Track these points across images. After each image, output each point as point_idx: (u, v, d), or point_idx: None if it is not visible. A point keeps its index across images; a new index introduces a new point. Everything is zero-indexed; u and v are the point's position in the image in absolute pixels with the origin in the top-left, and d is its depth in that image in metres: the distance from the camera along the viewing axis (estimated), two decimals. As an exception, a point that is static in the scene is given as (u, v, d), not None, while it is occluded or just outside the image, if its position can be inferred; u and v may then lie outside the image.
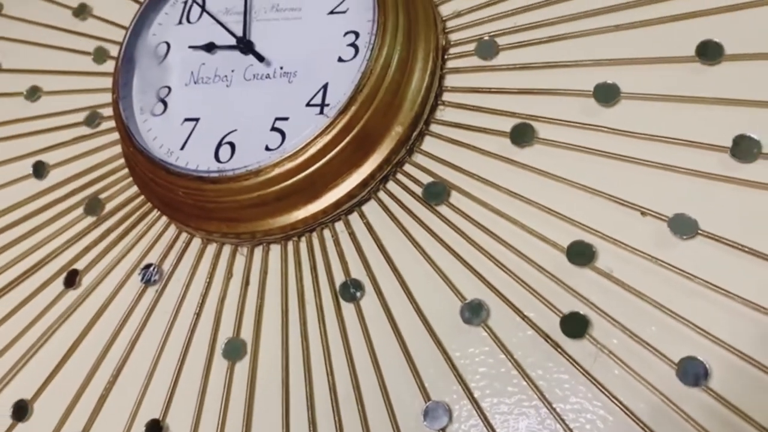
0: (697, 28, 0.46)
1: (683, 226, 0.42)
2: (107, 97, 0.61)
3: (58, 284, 0.57)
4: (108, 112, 0.62)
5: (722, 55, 0.45)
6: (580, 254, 0.43)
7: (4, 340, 0.57)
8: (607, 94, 0.46)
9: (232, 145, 0.50)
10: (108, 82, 0.61)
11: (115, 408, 0.51)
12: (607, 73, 0.47)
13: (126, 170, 0.58)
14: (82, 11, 0.68)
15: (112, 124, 0.60)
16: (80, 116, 0.63)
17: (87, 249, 0.57)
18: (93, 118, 0.62)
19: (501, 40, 0.51)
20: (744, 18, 0.45)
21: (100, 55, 0.65)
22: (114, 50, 0.64)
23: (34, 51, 0.69)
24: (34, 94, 0.67)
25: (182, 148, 0.52)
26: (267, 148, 0.49)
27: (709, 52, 0.45)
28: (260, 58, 0.52)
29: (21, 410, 0.54)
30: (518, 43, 0.51)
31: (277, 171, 0.47)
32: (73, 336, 0.55)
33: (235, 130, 0.51)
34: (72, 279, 0.56)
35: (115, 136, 0.60)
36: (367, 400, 0.45)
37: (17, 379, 0.56)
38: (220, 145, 0.51)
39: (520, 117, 0.48)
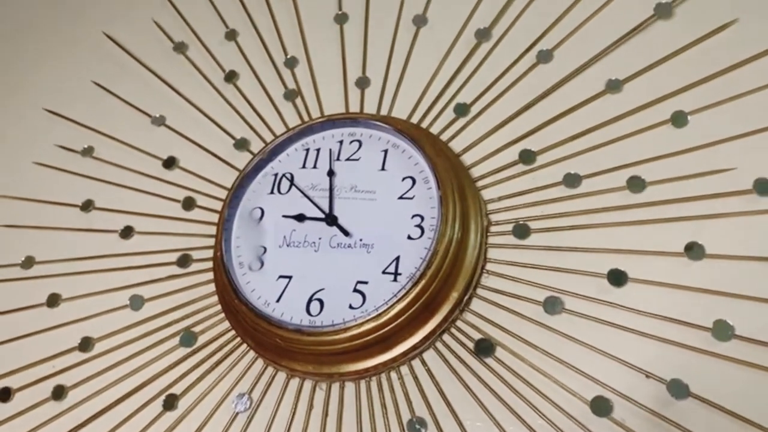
0: (686, 230, 0.61)
1: (677, 390, 0.55)
2: (196, 241, 0.74)
3: (157, 406, 0.68)
4: (197, 255, 0.74)
5: (704, 254, 0.60)
6: (600, 408, 0.56)
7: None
8: (618, 278, 0.60)
9: (321, 301, 0.63)
10: (195, 228, 0.74)
11: None
12: (617, 260, 0.61)
13: (218, 307, 0.70)
14: (171, 163, 0.81)
15: (202, 265, 0.73)
16: (172, 256, 0.75)
17: (182, 376, 0.68)
18: (185, 260, 0.74)
19: (533, 224, 0.65)
20: (722, 224, 0.61)
21: (188, 204, 0.78)
22: (199, 199, 0.77)
23: (125, 193, 0.81)
24: (128, 233, 0.78)
25: (278, 301, 0.64)
26: (351, 307, 0.62)
27: (694, 251, 0.60)
28: (345, 233, 0.65)
29: None
30: (547, 228, 0.65)
31: (360, 329, 0.60)
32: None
33: (323, 289, 0.63)
34: (171, 402, 0.67)
35: (207, 276, 0.72)
36: None
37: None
38: (310, 300, 0.63)
39: (550, 290, 0.62)
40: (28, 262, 0.81)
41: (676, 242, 0.60)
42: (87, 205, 0.82)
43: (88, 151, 0.86)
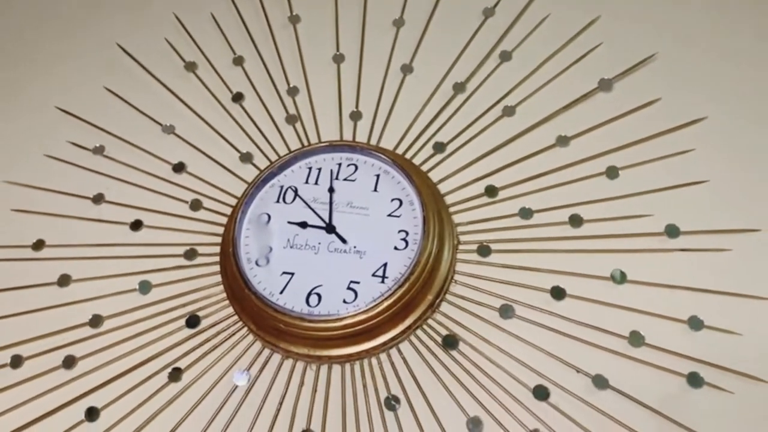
0: (612, 259, 0.77)
1: (600, 382, 0.71)
2: (201, 238, 0.85)
3: (161, 378, 0.78)
4: (203, 250, 0.85)
5: (626, 279, 0.76)
6: (540, 394, 0.71)
7: (113, 418, 0.77)
8: (558, 294, 0.76)
9: (319, 295, 0.75)
10: (201, 226, 0.86)
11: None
12: (559, 279, 0.77)
13: (222, 295, 0.81)
14: (181, 168, 0.91)
15: (207, 260, 0.84)
16: (179, 250, 0.85)
17: (187, 353, 0.79)
18: (192, 254, 0.85)
19: (493, 246, 0.80)
20: (640, 257, 0.77)
21: (196, 205, 0.88)
22: (205, 202, 0.88)
23: (134, 191, 0.91)
24: (138, 226, 0.88)
25: (281, 293, 0.76)
26: (344, 301, 0.74)
27: (618, 276, 0.76)
28: (343, 240, 0.78)
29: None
30: (505, 249, 0.80)
31: (350, 320, 0.73)
32: (171, 423, 0.75)
33: (321, 285, 0.76)
34: (176, 375, 0.77)
35: (212, 269, 0.83)
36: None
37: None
38: (310, 294, 0.75)
39: (504, 299, 0.77)
40: (39, 245, 0.89)
41: (604, 268, 0.77)
42: (98, 199, 0.91)
43: (99, 150, 0.95)
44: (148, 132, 0.95)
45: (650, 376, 0.71)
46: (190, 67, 0.99)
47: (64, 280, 0.85)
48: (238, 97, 0.96)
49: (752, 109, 0.84)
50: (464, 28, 0.96)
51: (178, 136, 0.94)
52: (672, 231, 0.77)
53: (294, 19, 1.01)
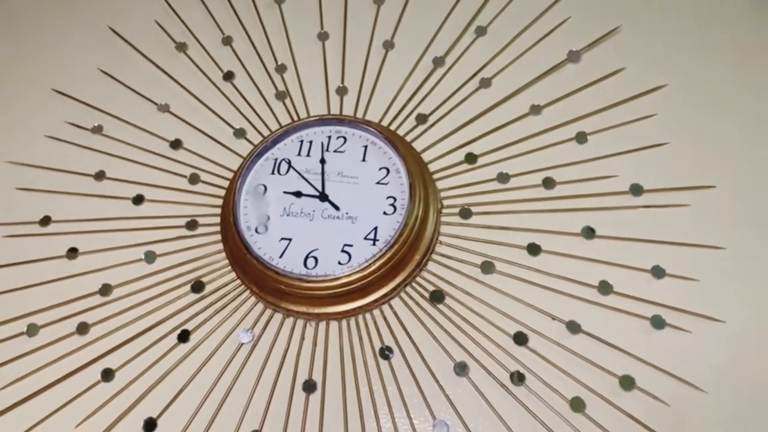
0: (582, 217, 0.85)
1: (573, 327, 0.78)
2: (201, 210, 0.91)
3: (170, 340, 0.84)
4: (203, 220, 0.90)
5: (594, 234, 0.83)
6: (520, 339, 0.79)
7: (123, 382, 0.83)
8: (534, 250, 0.83)
9: (315, 258, 0.82)
10: (201, 199, 0.91)
11: None
12: (534, 237, 0.84)
13: (225, 262, 0.87)
14: (178, 145, 0.96)
15: (208, 230, 0.90)
16: (180, 221, 0.91)
17: (193, 316, 0.85)
18: (193, 225, 0.90)
19: (474, 209, 0.87)
20: (606, 214, 0.85)
21: (194, 179, 0.94)
22: (202, 176, 0.94)
23: (134, 167, 0.96)
24: (140, 201, 0.93)
25: (280, 257, 0.82)
26: (339, 263, 0.81)
27: (587, 231, 0.83)
28: (336, 207, 0.84)
29: None
30: (484, 211, 0.87)
31: (346, 279, 0.79)
32: (182, 380, 0.82)
33: (317, 249, 0.82)
34: (184, 336, 0.83)
35: (213, 238, 0.89)
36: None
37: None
38: (307, 257, 0.82)
39: (485, 256, 0.84)
40: (46, 221, 0.94)
41: (575, 226, 0.84)
42: (100, 176, 0.96)
43: (97, 129, 0.99)
44: (143, 111, 1.00)
45: (618, 320, 0.79)
46: (181, 47, 1.04)
47: (72, 253, 0.91)
48: (228, 76, 1.00)
49: (707, 78, 0.91)
50: (441, 5, 1.01)
51: (173, 114, 0.99)
52: (636, 189, 0.85)
53: (279, -1, 1.06)
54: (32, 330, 0.87)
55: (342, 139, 0.89)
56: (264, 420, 0.78)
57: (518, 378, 0.77)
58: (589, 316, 0.79)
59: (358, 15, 1.03)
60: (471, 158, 0.90)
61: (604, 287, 0.80)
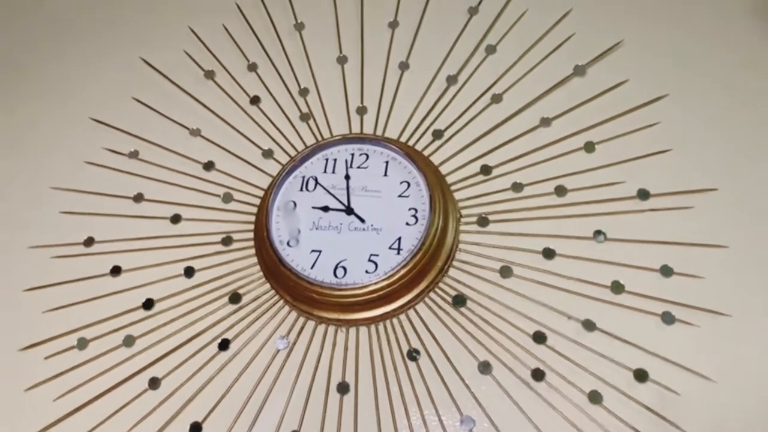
0: (593, 222, 0.90)
1: (588, 324, 0.84)
2: (234, 226, 0.97)
3: (212, 349, 0.90)
4: (237, 236, 0.97)
5: (606, 237, 0.89)
6: (539, 339, 0.84)
7: (169, 389, 0.89)
8: (549, 254, 0.89)
9: (344, 268, 0.88)
10: (234, 216, 0.97)
11: None
12: (548, 241, 0.90)
13: (259, 274, 0.93)
14: (210, 166, 1.03)
15: (242, 245, 0.96)
16: (216, 238, 0.97)
17: (232, 326, 0.91)
18: (228, 241, 0.96)
19: (491, 217, 0.93)
20: (616, 218, 0.90)
21: (227, 198, 1.00)
22: (235, 195, 1.00)
23: (170, 189, 1.02)
24: (177, 220, 1.00)
25: (311, 268, 0.88)
26: (366, 272, 0.87)
27: (599, 235, 0.89)
28: (362, 220, 0.90)
29: None
30: (501, 219, 0.92)
31: (374, 287, 0.85)
32: (224, 386, 0.88)
33: (346, 259, 0.88)
34: (225, 344, 0.89)
35: (247, 252, 0.95)
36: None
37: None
38: (336, 267, 0.88)
39: (503, 262, 0.89)
40: (89, 242, 1.00)
41: (587, 230, 0.90)
42: (138, 198, 1.02)
43: (134, 154, 1.06)
44: (176, 136, 1.07)
45: (630, 318, 0.84)
46: (209, 75, 1.10)
47: (115, 271, 0.97)
48: (255, 100, 1.07)
49: (708, 86, 0.97)
50: (452, 26, 1.08)
51: (205, 138, 1.06)
52: (643, 194, 0.90)
53: (299, 27, 1.12)
54: (82, 344, 0.93)
55: (364, 156, 0.96)
56: (302, 420, 0.84)
57: (539, 374, 0.82)
58: (603, 314, 0.85)
59: (374, 39, 1.09)
60: (486, 170, 0.96)
61: (617, 287, 0.85)
